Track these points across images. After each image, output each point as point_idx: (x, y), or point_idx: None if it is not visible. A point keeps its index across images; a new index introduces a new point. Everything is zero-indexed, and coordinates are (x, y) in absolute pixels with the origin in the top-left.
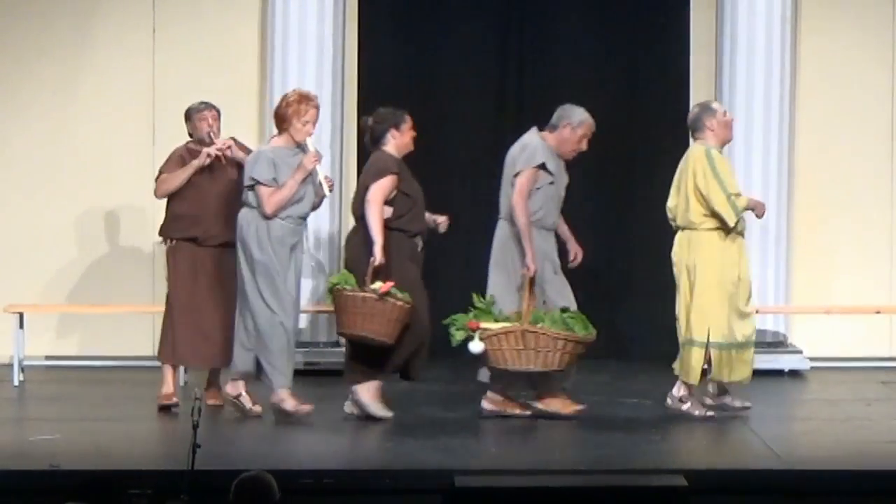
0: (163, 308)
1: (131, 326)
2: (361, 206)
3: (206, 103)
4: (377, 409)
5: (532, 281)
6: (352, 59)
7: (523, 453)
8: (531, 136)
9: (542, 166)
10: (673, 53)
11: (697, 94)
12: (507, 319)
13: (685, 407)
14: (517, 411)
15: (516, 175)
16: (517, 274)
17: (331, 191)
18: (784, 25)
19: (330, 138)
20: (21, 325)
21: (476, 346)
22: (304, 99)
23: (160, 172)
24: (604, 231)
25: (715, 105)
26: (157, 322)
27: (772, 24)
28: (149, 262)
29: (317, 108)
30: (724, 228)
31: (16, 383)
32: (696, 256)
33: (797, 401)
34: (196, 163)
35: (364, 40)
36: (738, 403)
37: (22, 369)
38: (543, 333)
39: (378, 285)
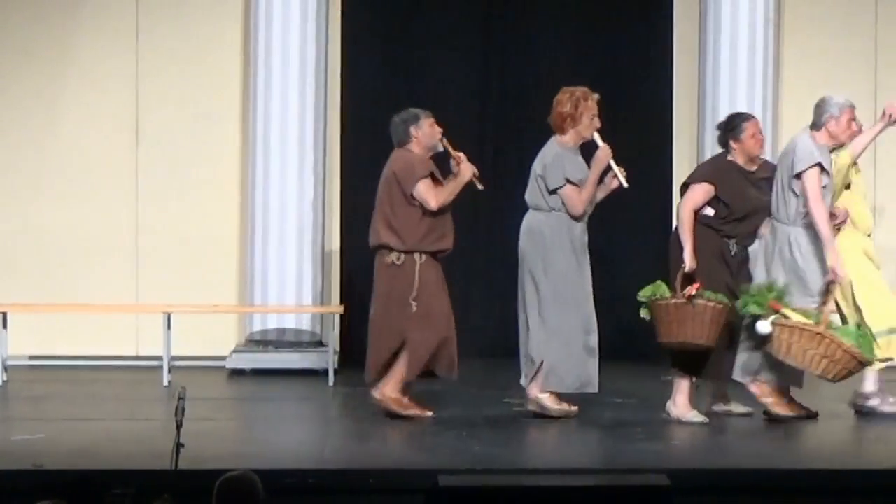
0: (146, 308)
1: (114, 326)
2: None
3: (425, 111)
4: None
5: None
6: (335, 63)
7: (507, 453)
8: (800, 139)
9: (820, 166)
10: (656, 53)
11: (680, 93)
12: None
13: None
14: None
15: (797, 176)
16: (804, 274)
17: (627, 182)
18: (767, 25)
19: (313, 142)
20: (4, 325)
21: (765, 327)
22: (588, 95)
23: (418, 178)
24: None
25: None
26: (140, 321)
27: (755, 23)
28: (132, 263)
29: (598, 102)
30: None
31: None
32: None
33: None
34: (464, 179)
35: (347, 44)
36: (741, 409)
37: (5, 369)
38: (838, 345)
39: (688, 290)
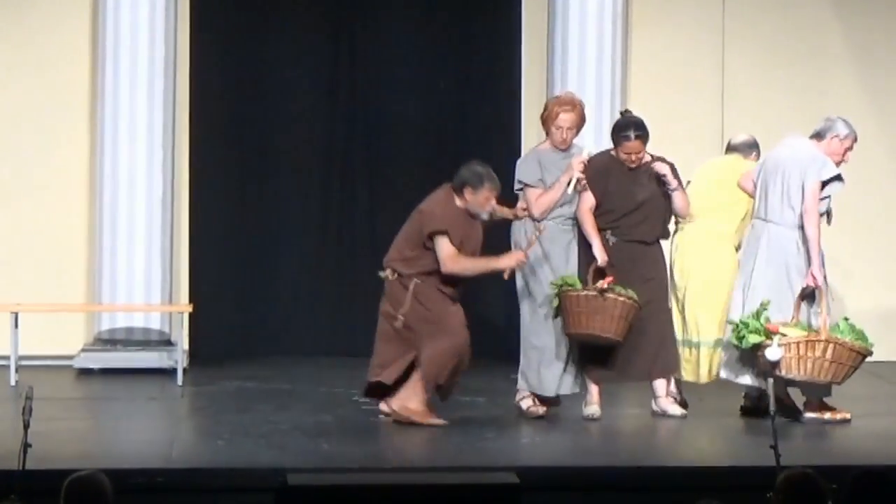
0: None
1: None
2: None
3: (493, 179)
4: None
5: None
6: (183, 59)
7: (357, 452)
8: (809, 146)
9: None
10: (505, 45)
11: (529, 90)
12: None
13: None
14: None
15: (823, 183)
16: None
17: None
18: (615, 22)
19: (162, 135)
20: (16, 325)
21: (775, 353)
22: (557, 105)
23: (442, 230)
24: None
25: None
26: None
27: (603, 20)
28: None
29: (572, 112)
30: None
31: None
32: None
33: (635, 399)
34: (497, 267)
35: (195, 40)
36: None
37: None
38: (842, 345)
39: (599, 283)
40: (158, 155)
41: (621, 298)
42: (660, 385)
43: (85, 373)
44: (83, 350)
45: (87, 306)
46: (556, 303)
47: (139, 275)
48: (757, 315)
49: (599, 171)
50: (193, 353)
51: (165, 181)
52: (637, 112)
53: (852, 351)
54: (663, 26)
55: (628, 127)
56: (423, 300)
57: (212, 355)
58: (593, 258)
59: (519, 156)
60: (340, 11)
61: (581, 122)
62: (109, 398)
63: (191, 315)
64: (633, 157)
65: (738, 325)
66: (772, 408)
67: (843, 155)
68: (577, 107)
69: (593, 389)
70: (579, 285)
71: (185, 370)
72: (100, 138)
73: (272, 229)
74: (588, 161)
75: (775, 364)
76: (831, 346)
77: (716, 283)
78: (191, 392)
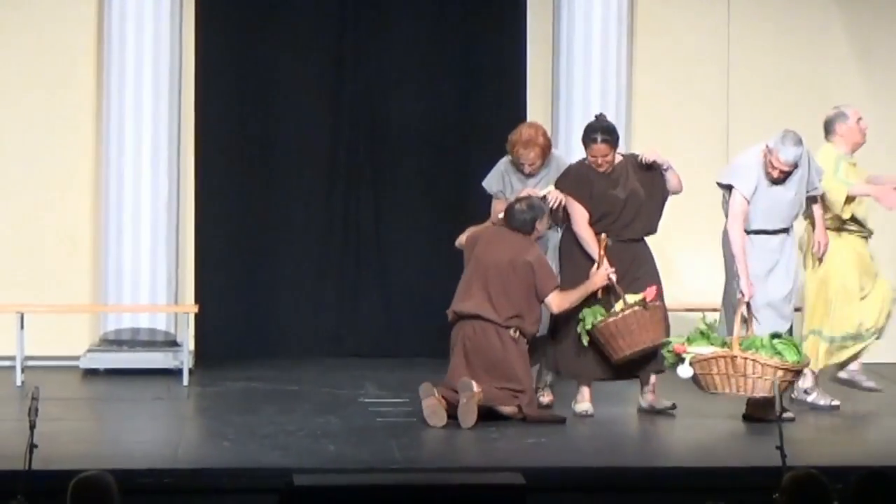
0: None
1: None
2: None
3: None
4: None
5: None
6: (189, 63)
7: (362, 452)
8: (743, 153)
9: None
10: (510, 51)
11: (534, 92)
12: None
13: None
14: None
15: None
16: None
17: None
18: (620, 23)
19: (167, 136)
20: (21, 326)
21: (685, 371)
22: (522, 144)
23: (554, 287)
24: (434, 233)
25: (848, 111)
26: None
27: (608, 21)
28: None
29: (532, 150)
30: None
31: None
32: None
33: (630, 397)
34: (593, 287)
35: (201, 44)
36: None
37: (23, 369)
38: (754, 360)
39: (633, 298)
40: (164, 156)
41: (657, 303)
42: (650, 381)
43: (91, 373)
44: (89, 350)
45: (92, 307)
46: (586, 339)
47: (145, 275)
48: (704, 334)
49: (581, 181)
50: (199, 354)
51: (171, 182)
52: (641, 116)
53: (769, 366)
54: (668, 30)
55: (596, 130)
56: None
57: (217, 356)
58: (583, 267)
59: None
60: (345, 13)
61: (545, 150)
62: (115, 399)
63: (196, 316)
64: (601, 161)
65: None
66: (777, 408)
67: (769, 167)
68: (537, 145)
69: (584, 387)
70: (603, 312)
71: (190, 371)
72: (105, 139)
73: (277, 230)
74: (565, 173)
75: (692, 380)
76: (746, 361)
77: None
78: (196, 392)
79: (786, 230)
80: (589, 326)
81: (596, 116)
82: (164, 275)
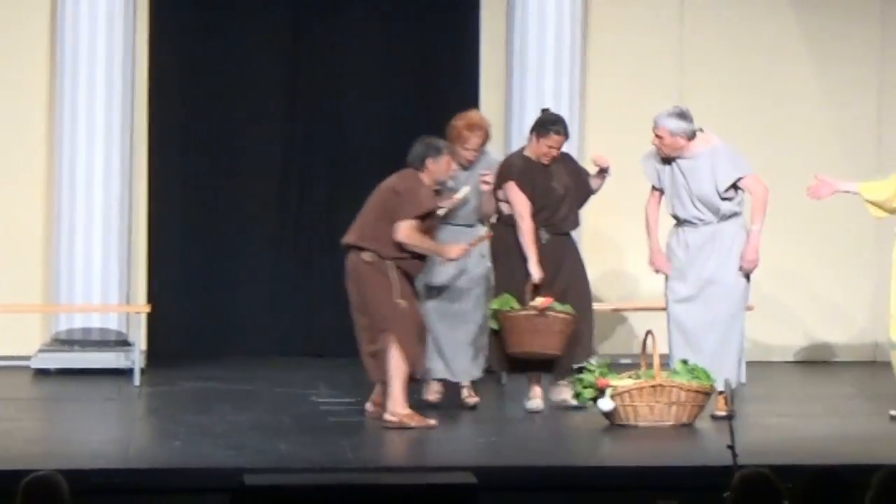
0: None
1: None
2: None
3: (450, 147)
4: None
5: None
6: (142, 60)
7: (314, 452)
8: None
9: None
10: (464, 48)
11: (488, 92)
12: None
13: None
14: None
15: (740, 180)
16: None
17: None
18: (574, 21)
19: (120, 134)
20: None
21: (606, 405)
22: (469, 127)
23: (412, 214)
24: None
25: None
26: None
27: (561, 19)
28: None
29: (480, 136)
30: None
31: None
32: None
33: None
34: (439, 252)
35: (154, 34)
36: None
37: None
38: (677, 387)
39: (538, 301)
40: (116, 154)
41: (561, 315)
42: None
43: (42, 373)
44: (40, 350)
45: (44, 307)
46: (495, 325)
47: (97, 275)
48: (590, 369)
49: (524, 173)
50: (151, 354)
51: (123, 181)
52: (594, 114)
53: (689, 391)
54: (621, 28)
55: (557, 122)
56: (399, 281)
57: (169, 356)
58: (518, 266)
59: None
60: (300, 12)
61: (486, 140)
62: (66, 399)
63: (148, 315)
64: (554, 152)
65: (574, 380)
66: (730, 408)
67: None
68: (482, 129)
69: (534, 384)
70: (516, 304)
71: (142, 370)
72: (58, 137)
73: (230, 229)
74: (508, 164)
75: (608, 415)
76: (667, 389)
77: None
78: (148, 392)
79: (709, 221)
80: (492, 311)
81: (543, 110)
82: (116, 274)
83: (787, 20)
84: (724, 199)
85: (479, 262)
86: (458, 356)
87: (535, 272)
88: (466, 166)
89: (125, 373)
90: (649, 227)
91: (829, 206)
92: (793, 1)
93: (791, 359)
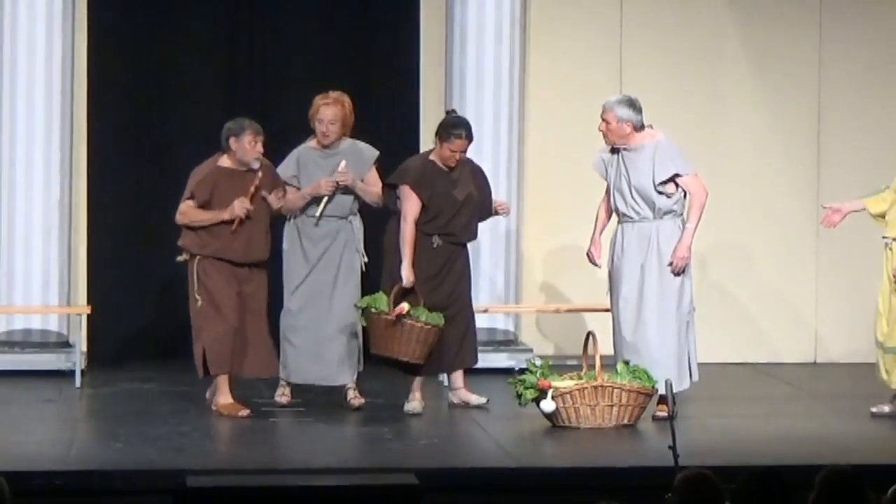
0: None
1: None
2: None
3: (254, 125)
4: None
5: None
6: (81, 60)
7: (256, 453)
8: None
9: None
10: (403, 52)
11: (427, 91)
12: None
13: None
14: None
15: (678, 177)
16: None
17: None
18: (513, 23)
19: (59, 135)
20: None
21: (548, 406)
22: (323, 98)
23: (188, 192)
24: None
25: None
26: None
27: (501, 21)
28: None
29: (333, 106)
30: None
31: None
32: None
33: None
34: (224, 217)
35: (93, 41)
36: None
37: None
38: (618, 388)
39: (396, 310)
40: (56, 155)
41: (419, 325)
42: (458, 377)
43: None
44: None
45: None
46: (363, 322)
47: (37, 276)
48: (532, 369)
49: (424, 176)
50: (91, 355)
51: (63, 182)
52: (534, 116)
53: (630, 392)
54: (561, 31)
55: (460, 126)
56: (205, 276)
57: (110, 357)
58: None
59: None
60: (239, 12)
61: (347, 117)
62: (5, 401)
63: (89, 316)
64: (458, 156)
65: (514, 381)
66: (670, 408)
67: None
68: (339, 102)
69: (414, 386)
70: (384, 305)
71: (83, 372)
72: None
73: (169, 231)
74: (405, 167)
75: (550, 416)
76: (607, 389)
77: None
78: (89, 394)
79: (645, 216)
80: (361, 307)
81: (448, 112)
82: (56, 275)
83: (726, 20)
84: (659, 192)
85: (344, 256)
86: (323, 358)
87: (407, 275)
88: (324, 143)
89: (66, 374)
90: (596, 221)
91: (770, 209)
92: (732, 4)
93: (733, 360)
